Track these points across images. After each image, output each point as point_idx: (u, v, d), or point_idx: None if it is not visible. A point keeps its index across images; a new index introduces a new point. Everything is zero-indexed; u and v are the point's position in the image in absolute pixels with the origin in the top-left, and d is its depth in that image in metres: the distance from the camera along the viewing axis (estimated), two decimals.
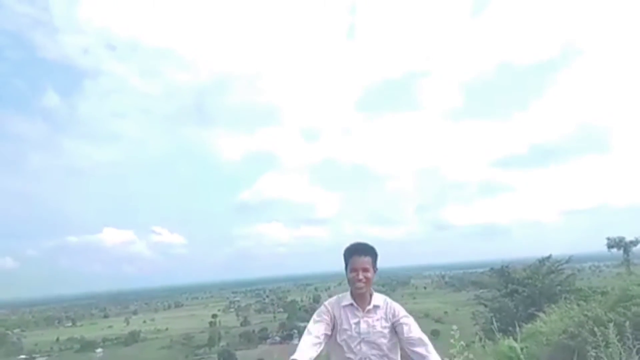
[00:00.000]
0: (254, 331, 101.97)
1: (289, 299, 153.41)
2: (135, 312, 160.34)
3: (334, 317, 2.70)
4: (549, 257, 15.29)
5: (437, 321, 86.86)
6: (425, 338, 2.58)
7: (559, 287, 13.57)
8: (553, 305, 9.08)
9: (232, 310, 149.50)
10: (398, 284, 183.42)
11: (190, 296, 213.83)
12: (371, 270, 2.68)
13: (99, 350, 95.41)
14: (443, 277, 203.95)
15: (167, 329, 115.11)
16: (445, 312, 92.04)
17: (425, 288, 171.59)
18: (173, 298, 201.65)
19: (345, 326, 2.66)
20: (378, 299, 2.72)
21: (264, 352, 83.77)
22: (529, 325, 8.21)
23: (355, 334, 2.63)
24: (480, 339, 7.57)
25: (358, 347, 2.62)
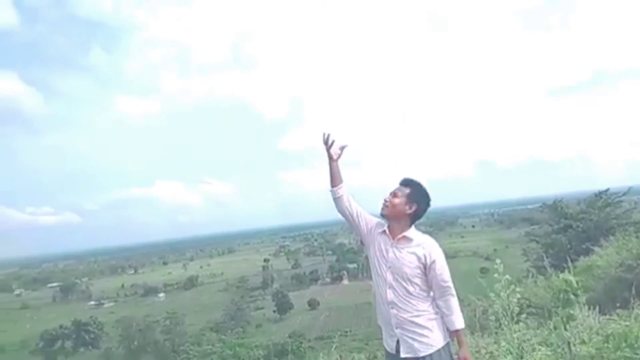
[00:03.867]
0: (304, 273, 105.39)
1: (337, 241, 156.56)
2: (191, 259, 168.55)
3: (370, 231, 2.84)
4: (606, 191, 14.65)
5: (486, 259, 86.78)
6: (448, 292, 2.63)
7: (615, 221, 13.05)
8: (611, 238, 8.75)
9: (282, 254, 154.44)
10: (446, 224, 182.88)
11: (242, 242, 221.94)
12: (402, 198, 2.74)
13: (161, 294, 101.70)
14: (492, 215, 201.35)
15: (222, 274, 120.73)
16: (495, 250, 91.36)
17: (473, 227, 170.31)
18: (226, 244, 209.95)
19: (378, 249, 2.76)
20: (412, 233, 2.72)
21: (316, 292, 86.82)
22: (584, 260, 7.97)
23: (383, 260, 2.72)
24: (532, 275, 7.42)
25: (385, 273, 2.70)
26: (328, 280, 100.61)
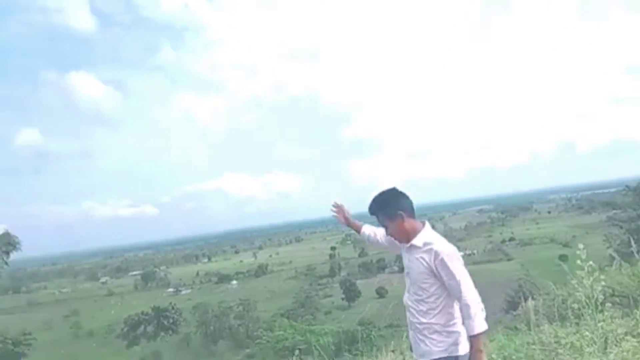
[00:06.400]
0: (372, 262, 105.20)
1: None
2: (261, 248, 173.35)
3: (399, 245, 2.86)
4: None
5: (564, 246, 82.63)
6: (461, 294, 2.48)
7: None
8: None
9: (349, 242, 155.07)
10: (519, 210, 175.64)
11: (309, 231, 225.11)
12: (389, 224, 2.72)
13: (234, 282, 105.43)
14: (570, 199, 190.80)
15: (290, 262, 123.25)
16: (574, 236, 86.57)
17: (549, 212, 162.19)
18: (293, 233, 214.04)
19: (403, 258, 2.81)
20: (421, 238, 2.64)
21: (384, 280, 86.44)
22: None
23: (405, 267, 2.78)
24: (616, 262, 6.95)
25: (406, 278, 2.77)
26: (396, 268, 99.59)
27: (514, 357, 4.22)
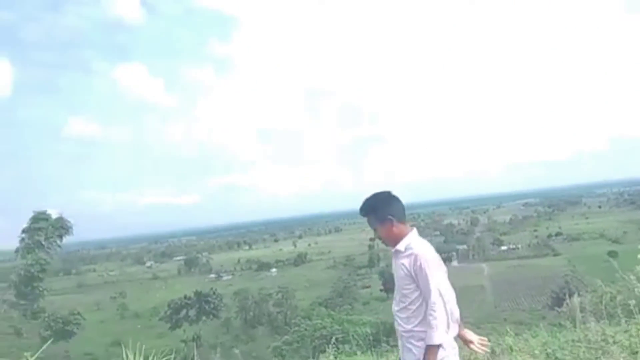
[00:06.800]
0: None
1: (445, 222, 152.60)
2: (300, 237, 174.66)
3: None
4: None
5: (614, 242, 79.51)
6: (434, 301, 2.44)
7: None
8: None
9: None
10: (567, 204, 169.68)
11: (348, 221, 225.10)
12: (378, 228, 2.72)
13: (273, 270, 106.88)
14: (621, 194, 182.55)
15: (329, 252, 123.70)
16: (625, 232, 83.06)
17: (599, 207, 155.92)
18: (332, 223, 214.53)
19: None
20: (404, 242, 2.64)
21: None
22: None
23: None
24: None
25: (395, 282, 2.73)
26: None
27: (558, 354, 4.11)
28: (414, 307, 2.56)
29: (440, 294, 2.46)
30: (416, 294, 2.54)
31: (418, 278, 2.51)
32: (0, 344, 42.14)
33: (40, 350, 4.63)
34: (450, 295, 2.58)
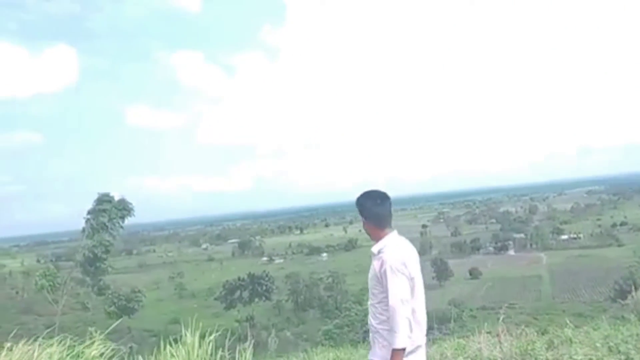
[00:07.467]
0: (465, 242, 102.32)
1: (502, 209, 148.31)
2: (351, 222, 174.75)
3: None
4: None
5: None
6: (394, 307, 2.53)
7: None
8: None
9: (441, 220, 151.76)
10: (634, 193, 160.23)
11: (399, 208, 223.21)
12: (364, 223, 2.89)
13: (324, 254, 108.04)
14: None
15: None
16: None
17: None
18: None
19: None
20: (379, 244, 2.73)
21: (477, 261, 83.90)
22: None
23: None
24: None
25: None
26: (491, 249, 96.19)
27: (621, 348, 3.97)
28: (380, 307, 2.67)
29: (402, 301, 2.54)
30: (382, 295, 2.64)
31: (383, 282, 2.61)
32: (68, 318, 44.99)
33: (111, 328, 4.95)
34: (419, 301, 2.73)
